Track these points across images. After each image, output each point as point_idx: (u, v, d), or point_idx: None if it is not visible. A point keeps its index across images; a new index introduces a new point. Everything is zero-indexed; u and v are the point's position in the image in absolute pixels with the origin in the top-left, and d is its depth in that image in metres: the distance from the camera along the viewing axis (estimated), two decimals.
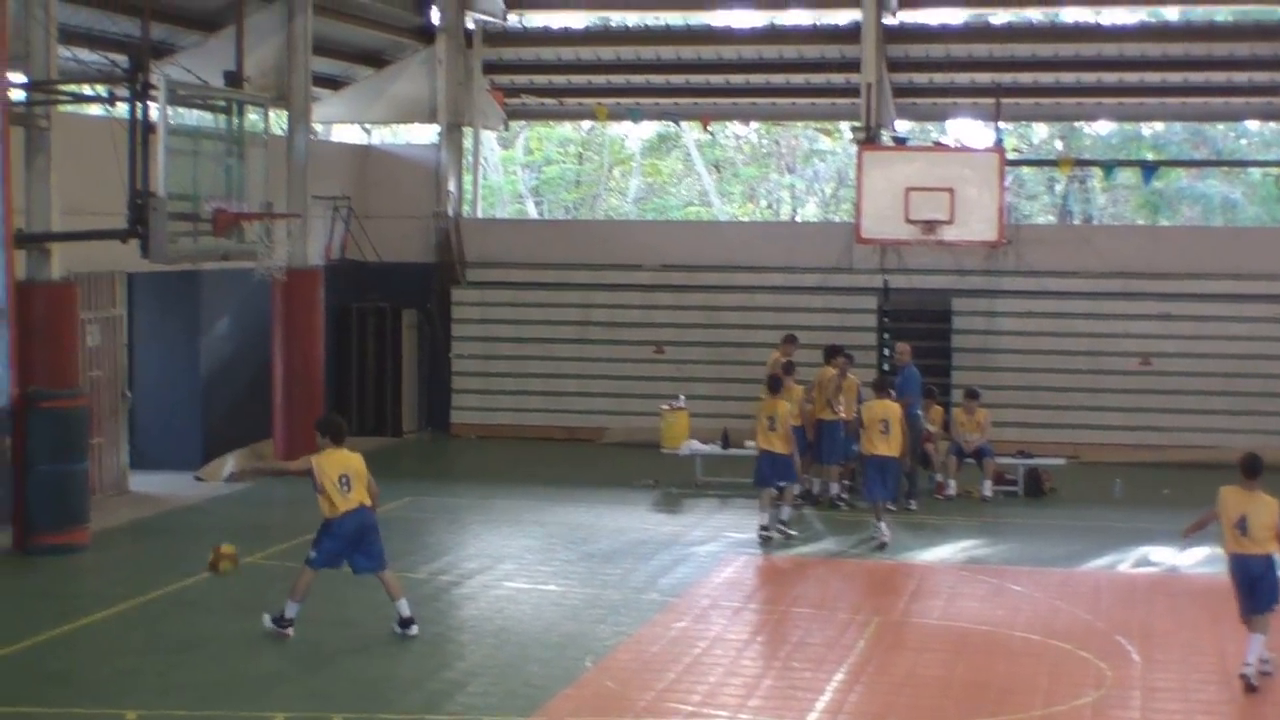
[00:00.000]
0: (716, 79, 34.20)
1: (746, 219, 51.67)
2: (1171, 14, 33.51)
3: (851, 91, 32.13)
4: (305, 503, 17.89)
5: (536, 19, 34.83)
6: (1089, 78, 32.66)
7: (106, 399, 25.14)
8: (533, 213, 51.99)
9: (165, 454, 27.15)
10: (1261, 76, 31.86)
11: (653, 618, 17.88)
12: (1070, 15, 32.98)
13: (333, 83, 33.59)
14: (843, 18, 32.82)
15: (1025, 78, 32.69)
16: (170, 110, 19.89)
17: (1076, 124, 45.25)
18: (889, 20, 32.13)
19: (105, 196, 21.01)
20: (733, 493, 25.89)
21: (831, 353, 25.12)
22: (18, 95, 20.51)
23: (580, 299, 32.38)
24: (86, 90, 23.72)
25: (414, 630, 16.98)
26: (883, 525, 22.22)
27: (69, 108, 23.24)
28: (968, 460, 26.12)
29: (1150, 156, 44.86)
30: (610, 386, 32.07)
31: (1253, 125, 46.06)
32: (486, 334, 32.80)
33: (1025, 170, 48.55)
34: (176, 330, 27.70)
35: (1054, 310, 30.64)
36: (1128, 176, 44.33)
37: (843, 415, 24.28)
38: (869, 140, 30.48)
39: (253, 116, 21.94)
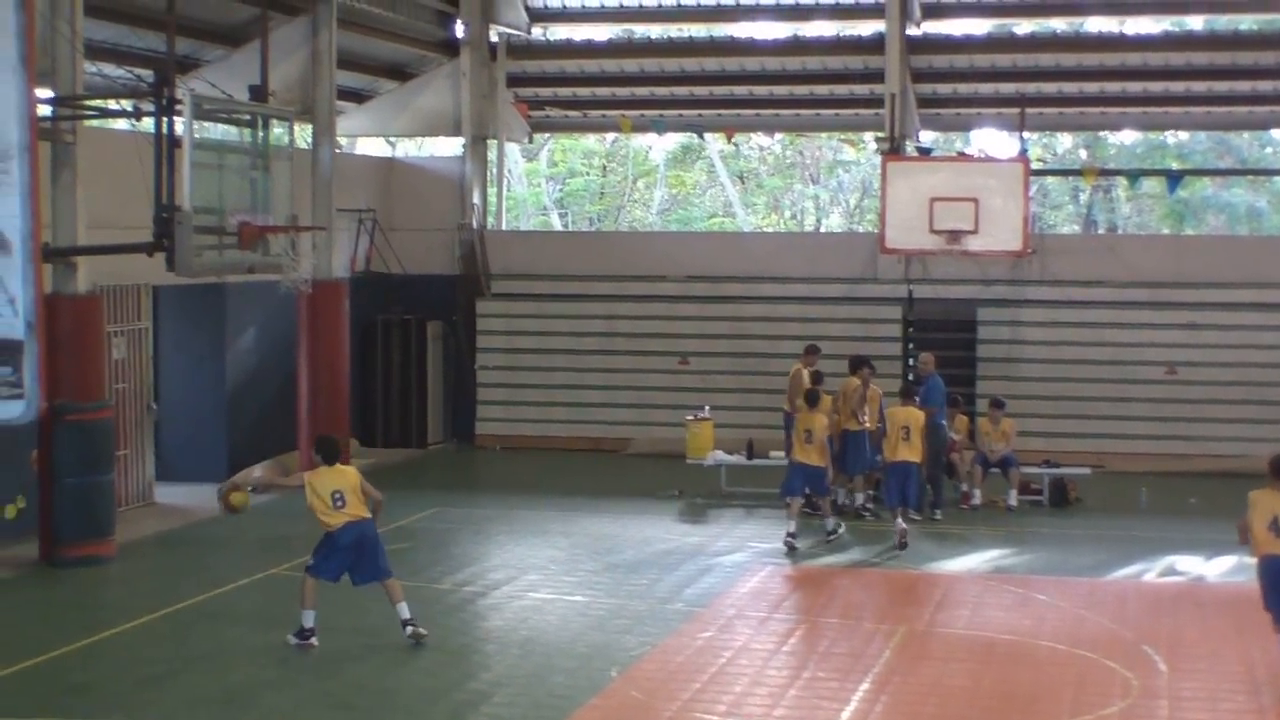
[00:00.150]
0: (740, 90, 34.25)
1: (771, 230, 51.67)
2: (1196, 23, 33.49)
3: (875, 102, 32.15)
4: None
5: (560, 31, 34.88)
6: (1113, 87, 32.64)
7: (132, 411, 25.21)
8: (557, 225, 52.04)
9: (191, 466, 27.21)
10: None
11: (678, 628, 17.87)
12: (1094, 25, 32.99)
13: (357, 96, 33.67)
14: (866, 29, 32.86)
15: (1049, 87, 32.67)
16: (195, 124, 19.96)
17: (1101, 133, 45.27)
18: (912, 31, 32.13)
19: (131, 210, 21.08)
20: (758, 503, 25.87)
21: (857, 364, 25.11)
22: (44, 110, 20.58)
23: (604, 310, 32.40)
24: (112, 105, 23.81)
25: (410, 632, 17.06)
26: (900, 523, 22.34)
27: (95, 122, 23.33)
28: (993, 470, 26.07)
29: (1175, 166, 44.82)
30: (635, 397, 32.07)
31: (1278, 134, 45.98)
32: (511, 345, 32.83)
33: (1050, 180, 48.58)
34: (202, 343, 27.78)
35: (1079, 320, 30.58)
36: (1152, 186, 44.30)
37: (867, 425, 24.27)
38: (893, 151, 30.46)
39: (278, 130, 22.01)
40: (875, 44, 32.22)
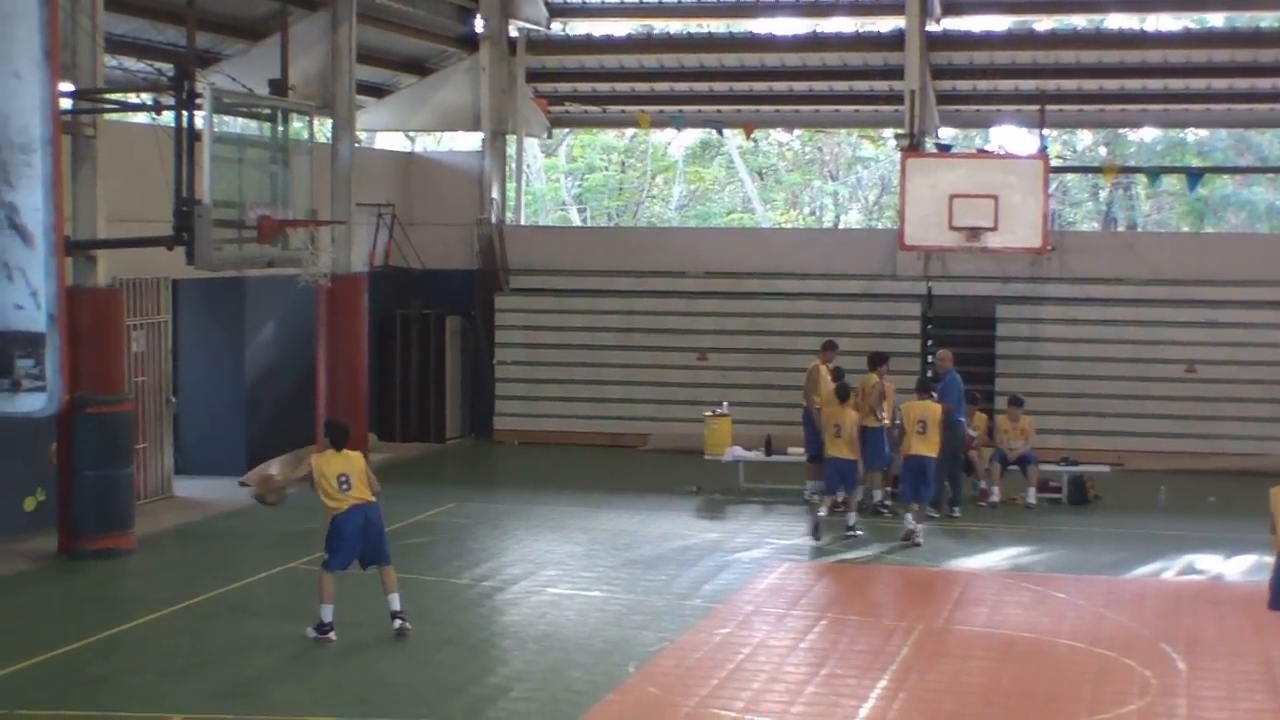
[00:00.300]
0: (759, 86, 34.23)
1: (789, 226, 51.66)
2: (1217, 20, 33.41)
3: (895, 99, 32.13)
4: None
5: (580, 27, 34.88)
6: (1133, 84, 32.59)
7: (152, 404, 25.27)
8: (576, 220, 52.05)
9: (210, 459, 27.27)
10: None
11: (696, 624, 17.88)
12: (1114, 22, 32.93)
13: (377, 91, 33.71)
14: (885, 25, 32.86)
15: (1069, 84, 32.62)
16: (215, 118, 19.97)
17: (1121, 131, 45.16)
18: (932, 27, 32.09)
19: (151, 204, 21.12)
20: (776, 499, 25.89)
21: (875, 360, 25.11)
22: (65, 104, 20.62)
23: (623, 306, 32.42)
24: (133, 99, 23.86)
25: (399, 625, 17.13)
26: (911, 518, 22.42)
27: (115, 116, 23.37)
28: (1011, 467, 26.06)
29: (1195, 163, 44.74)
30: (653, 393, 32.08)
31: None
32: (529, 340, 32.86)
33: (1070, 177, 48.51)
34: (221, 336, 27.84)
35: (1098, 317, 30.54)
36: (1173, 183, 44.25)
37: (885, 422, 24.27)
38: (912, 147, 30.42)
39: (297, 124, 22.02)
40: (895, 40, 32.20)
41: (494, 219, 33.51)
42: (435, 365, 32.56)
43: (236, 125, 21.76)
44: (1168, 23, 32.99)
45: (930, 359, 29.41)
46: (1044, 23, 33.77)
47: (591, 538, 22.99)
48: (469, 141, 36.34)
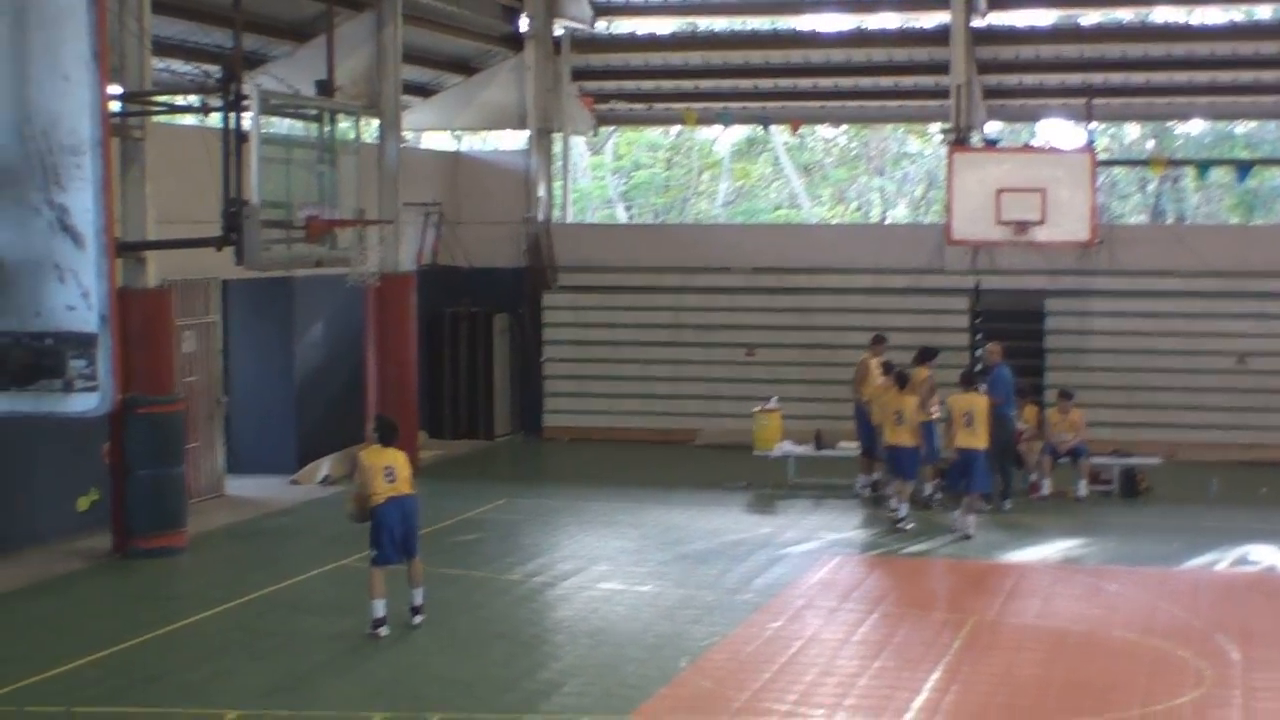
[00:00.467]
0: (805, 83, 34.16)
1: (836, 221, 51.58)
2: (1264, 12, 33.16)
3: (941, 93, 32.06)
4: None
5: (624, 25, 34.90)
6: (1180, 77, 32.42)
7: (202, 404, 25.39)
8: (622, 217, 52.07)
9: (261, 458, 27.38)
10: None
11: (748, 618, 17.89)
12: (1160, 15, 32.74)
13: (422, 90, 33.77)
14: (931, 20, 32.79)
15: (1116, 78, 32.46)
16: (263, 119, 20.05)
17: (1168, 123, 44.93)
18: (977, 22, 31.99)
19: (199, 205, 21.21)
20: (826, 494, 25.88)
21: (925, 355, 25.11)
22: (113, 106, 20.73)
23: (671, 302, 32.42)
24: (180, 101, 23.97)
25: (418, 620, 17.29)
26: (970, 518, 22.44)
27: (163, 118, 23.49)
28: (1062, 460, 25.99)
29: (1243, 155, 44.50)
30: (702, 389, 32.08)
31: None
32: (578, 338, 32.89)
33: (1117, 170, 48.27)
34: (270, 336, 27.94)
35: (1148, 310, 30.42)
36: (1221, 175, 44.00)
37: (934, 415, 24.23)
38: (959, 142, 30.34)
39: (344, 124, 22.08)
40: (940, 35, 32.11)
41: (541, 217, 33.56)
42: (484, 363, 32.61)
43: (284, 126, 21.84)
44: (1215, 15, 32.76)
45: (978, 353, 29.33)
46: (1090, 16, 33.61)
47: (642, 533, 23.01)
48: (515, 140, 36.39)
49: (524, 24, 33.39)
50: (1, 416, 5.30)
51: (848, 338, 29.86)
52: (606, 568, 20.69)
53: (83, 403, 5.31)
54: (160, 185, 21.77)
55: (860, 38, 33.53)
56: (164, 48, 24.35)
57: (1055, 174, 28.40)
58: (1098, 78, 31.98)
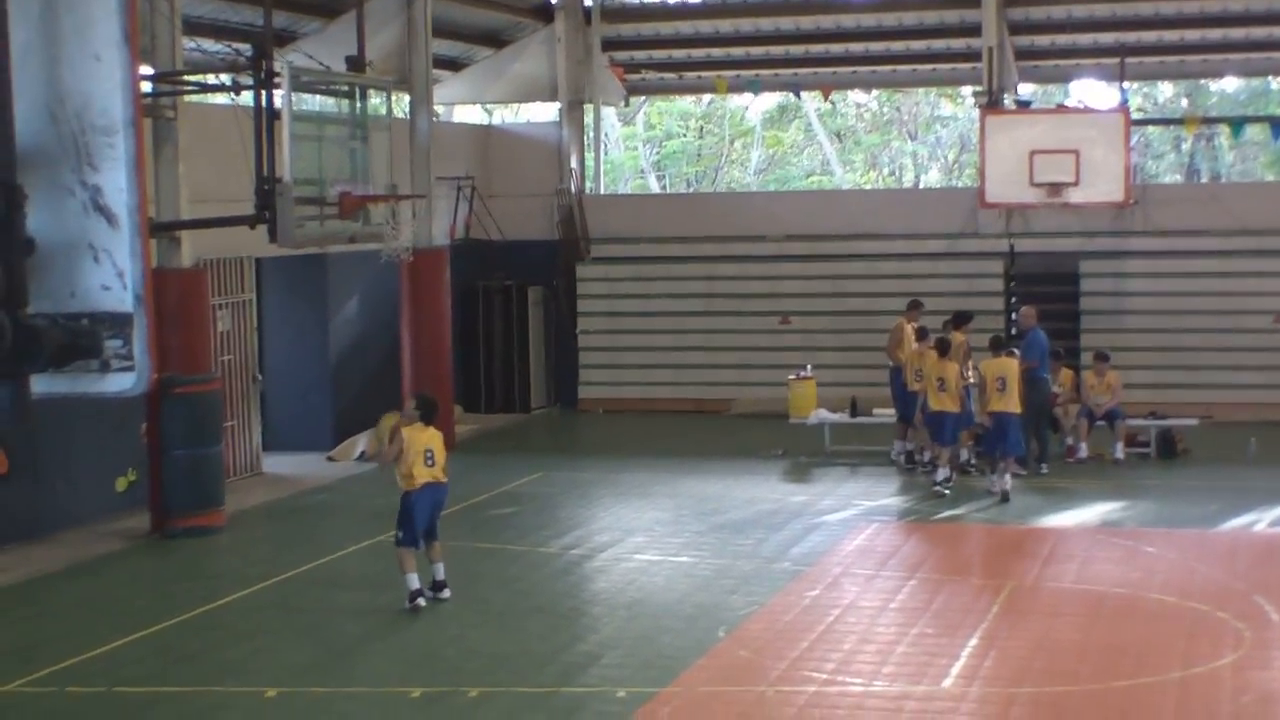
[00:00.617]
0: (836, 48, 34.09)
1: (869, 187, 51.50)
2: None
3: (972, 56, 31.94)
4: None
5: None
6: (1214, 34, 32.23)
7: (238, 383, 25.47)
8: (654, 187, 52.06)
9: (297, 436, 27.46)
10: None
11: (785, 587, 17.90)
12: None
13: (453, 64, 33.76)
14: None
15: (1149, 36, 32.29)
16: (294, 96, 20.06)
17: (1202, 81, 44.73)
18: None
19: (232, 183, 21.25)
20: (862, 461, 25.87)
21: (960, 319, 25.09)
22: (144, 87, 20.77)
23: (704, 271, 32.40)
24: (211, 80, 24.01)
25: (446, 594, 17.36)
26: (1005, 477, 22.44)
27: (195, 97, 23.53)
28: (1099, 423, 25.93)
29: (1278, 112, 44.27)
30: (736, 358, 32.07)
31: None
32: (612, 309, 32.90)
33: (1151, 130, 48.11)
34: (305, 313, 28.00)
35: (1183, 270, 30.30)
36: (1256, 133, 43.78)
37: (970, 380, 24.20)
38: (991, 104, 30.25)
39: (375, 100, 22.07)
40: None
41: (573, 189, 33.55)
42: (519, 336, 32.64)
43: (315, 103, 21.88)
44: None
45: (1013, 316, 29.26)
46: None
47: (678, 503, 23.03)
48: (546, 112, 36.37)
49: None
50: (39, 398, 5.32)
51: (882, 304, 29.79)
52: (643, 539, 20.71)
53: (119, 383, 5.32)
54: (193, 164, 21.81)
55: (890, 2, 33.39)
56: (194, 27, 24.36)
57: (1088, 135, 28.31)
58: (1130, 36, 31.82)
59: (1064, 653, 15.23)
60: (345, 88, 21.70)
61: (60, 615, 17.62)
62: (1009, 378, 22.96)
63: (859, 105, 53.11)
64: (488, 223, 32.50)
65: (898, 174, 54.09)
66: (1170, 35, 32.36)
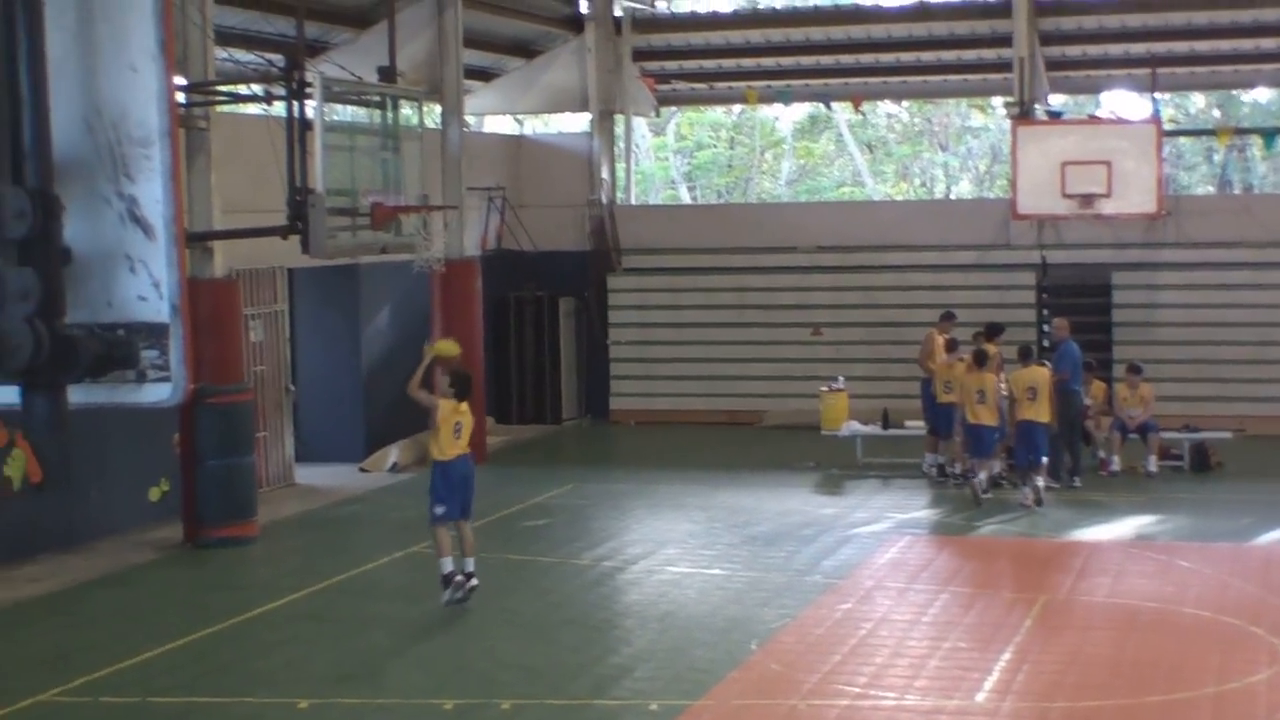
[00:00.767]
0: (867, 58, 34.05)
1: (900, 198, 51.43)
2: None
3: (1003, 67, 31.89)
4: None
5: (685, 4, 34.89)
6: (1246, 44, 32.12)
7: (271, 393, 25.48)
8: (685, 198, 52.05)
9: (329, 446, 27.48)
10: None
11: (817, 600, 17.85)
12: None
13: (484, 74, 33.79)
14: None
15: (1180, 46, 32.18)
16: (326, 107, 20.12)
17: (1234, 92, 44.58)
18: None
19: (264, 194, 21.29)
20: (894, 473, 25.80)
21: (993, 331, 25.02)
22: (178, 97, 20.80)
23: (736, 283, 32.36)
24: (243, 90, 24.05)
25: (474, 583, 17.46)
26: (1031, 488, 22.47)
27: (227, 108, 23.58)
28: (1131, 436, 25.82)
29: None
30: (768, 369, 32.01)
31: None
32: (643, 320, 32.88)
33: (1183, 141, 47.97)
34: (337, 324, 28.03)
35: (1216, 282, 30.18)
36: None
37: (1003, 391, 24.12)
38: (1023, 115, 30.20)
39: (407, 111, 22.14)
40: (1002, 8, 31.89)
41: (604, 199, 33.54)
42: (550, 347, 32.65)
43: (347, 113, 21.94)
44: None
45: (1046, 328, 29.18)
46: None
47: (710, 516, 22.98)
48: (577, 123, 36.39)
49: (584, 5, 33.37)
50: (76, 409, 5.30)
51: (914, 315, 29.72)
52: (675, 551, 20.68)
53: (156, 393, 5.30)
54: (225, 175, 21.83)
55: (921, 12, 33.35)
56: (226, 37, 24.41)
57: (1120, 145, 28.26)
58: (1161, 47, 31.72)
59: (1097, 667, 15.16)
60: (377, 98, 21.76)
61: (93, 625, 17.64)
62: (1040, 387, 22.95)
63: (890, 116, 53.04)
64: (519, 233, 32.51)
65: (929, 185, 54.02)
66: (1202, 46, 32.25)
